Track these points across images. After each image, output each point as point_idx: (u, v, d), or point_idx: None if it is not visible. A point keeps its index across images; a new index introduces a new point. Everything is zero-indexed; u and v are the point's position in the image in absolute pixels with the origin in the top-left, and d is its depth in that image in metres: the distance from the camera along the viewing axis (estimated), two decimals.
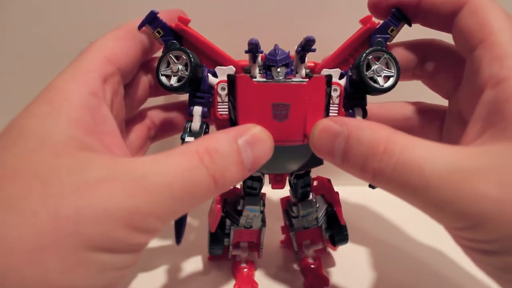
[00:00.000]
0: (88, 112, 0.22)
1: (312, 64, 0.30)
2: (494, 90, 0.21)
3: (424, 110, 0.32)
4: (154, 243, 0.37)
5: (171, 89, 0.28)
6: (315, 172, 0.31)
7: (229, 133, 0.22)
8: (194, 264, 0.35)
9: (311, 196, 0.32)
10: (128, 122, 0.31)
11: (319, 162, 0.28)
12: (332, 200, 0.33)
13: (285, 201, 0.35)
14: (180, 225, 0.26)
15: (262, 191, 0.31)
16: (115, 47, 0.26)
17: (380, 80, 0.28)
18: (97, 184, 0.18)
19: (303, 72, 0.28)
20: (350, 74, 0.29)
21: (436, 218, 0.21)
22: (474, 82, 0.23)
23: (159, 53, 0.29)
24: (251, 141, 0.22)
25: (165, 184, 0.19)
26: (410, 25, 0.29)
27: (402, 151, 0.20)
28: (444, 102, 0.31)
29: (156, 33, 0.28)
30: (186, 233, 0.28)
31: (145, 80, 0.31)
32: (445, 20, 0.26)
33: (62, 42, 0.40)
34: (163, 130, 0.34)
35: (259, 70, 0.28)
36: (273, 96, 0.25)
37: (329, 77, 0.27)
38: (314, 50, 0.26)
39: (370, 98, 0.29)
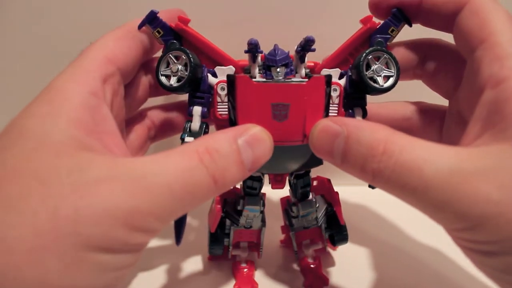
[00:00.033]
0: (88, 112, 0.22)
1: (312, 64, 0.30)
2: (494, 90, 0.21)
3: (424, 110, 0.32)
4: (154, 243, 0.37)
5: (170, 89, 0.28)
6: (315, 172, 0.31)
7: (229, 133, 0.22)
8: (194, 264, 0.35)
9: (311, 196, 0.32)
10: (128, 122, 0.31)
11: (318, 162, 0.28)
12: (332, 200, 0.33)
13: (285, 201, 0.35)
14: (180, 225, 0.26)
15: (262, 191, 0.31)
16: (115, 47, 0.26)
17: (380, 80, 0.28)
18: (97, 184, 0.18)
19: (303, 72, 0.28)
20: (350, 74, 0.29)
21: (436, 219, 0.21)
22: (474, 82, 0.23)
23: (159, 53, 0.29)
24: (251, 141, 0.22)
25: (165, 184, 0.19)
26: (411, 25, 0.29)
27: (401, 152, 0.20)
28: (444, 102, 0.31)
29: (156, 33, 0.28)
30: (186, 233, 0.28)
31: (145, 80, 0.31)
32: (446, 20, 0.26)
33: (62, 42, 0.40)
34: (163, 130, 0.34)
35: (259, 70, 0.28)
36: (272, 96, 0.25)
37: (328, 77, 0.27)
38: (313, 50, 0.26)
39: (370, 98, 0.29)
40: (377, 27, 0.29)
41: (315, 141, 0.24)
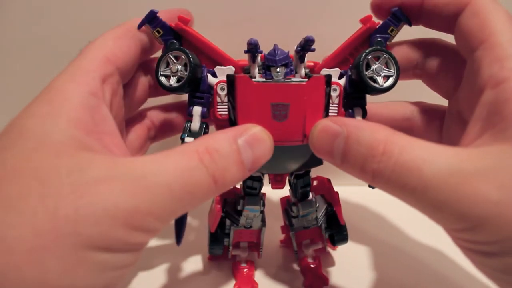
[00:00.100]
0: (87, 112, 0.22)
1: (312, 64, 0.30)
2: (494, 91, 0.21)
3: (424, 110, 0.32)
4: (154, 243, 0.37)
5: (170, 89, 0.28)
6: (315, 172, 0.31)
7: (228, 133, 0.22)
8: (194, 264, 0.35)
9: (311, 196, 0.32)
10: (128, 122, 0.31)
11: (318, 162, 0.28)
12: (332, 200, 0.33)
13: (285, 201, 0.35)
14: (180, 225, 0.26)
15: (262, 191, 0.31)
16: (115, 46, 0.26)
17: (379, 79, 0.28)
18: (97, 184, 0.18)
19: (303, 72, 0.28)
20: (350, 73, 0.29)
21: (435, 219, 0.21)
22: (474, 83, 0.23)
23: (158, 53, 0.29)
24: (251, 141, 0.22)
25: (165, 184, 0.19)
26: (410, 25, 0.29)
27: (400, 152, 0.20)
28: (444, 102, 0.31)
29: (156, 33, 0.28)
30: (186, 233, 0.28)
31: (144, 81, 0.31)
32: (447, 21, 0.26)
33: (62, 42, 0.40)
34: (163, 131, 0.34)
35: (259, 70, 0.28)
36: (272, 96, 0.25)
37: (328, 77, 0.27)
38: (313, 50, 0.26)
39: (370, 98, 0.29)
40: (377, 26, 0.29)
41: (315, 141, 0.24)
